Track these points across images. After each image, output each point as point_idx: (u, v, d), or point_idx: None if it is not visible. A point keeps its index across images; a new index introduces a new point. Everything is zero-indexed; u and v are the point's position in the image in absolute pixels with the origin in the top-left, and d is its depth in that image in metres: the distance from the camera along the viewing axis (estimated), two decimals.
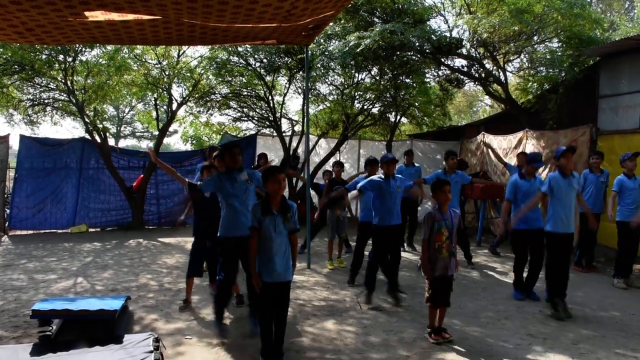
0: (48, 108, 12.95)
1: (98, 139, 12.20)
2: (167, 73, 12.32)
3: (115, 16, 5.43)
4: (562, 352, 4.86)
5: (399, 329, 5.46)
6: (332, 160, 12.71)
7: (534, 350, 4.90)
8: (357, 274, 7.35)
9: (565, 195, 5.90)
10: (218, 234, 5.34)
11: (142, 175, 12.68)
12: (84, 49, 11.50)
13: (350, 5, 10.21)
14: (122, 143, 37.18)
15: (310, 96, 12.59)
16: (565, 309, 5.93)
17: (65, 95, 12.00)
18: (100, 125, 12.29)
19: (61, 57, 11.25)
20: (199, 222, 6.20)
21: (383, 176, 6.30)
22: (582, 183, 7.69)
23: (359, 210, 7.76)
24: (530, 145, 10.75)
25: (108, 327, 4.90)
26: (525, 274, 6.84)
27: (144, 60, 12.45)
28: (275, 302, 4.39)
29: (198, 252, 6.21)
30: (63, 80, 11.48)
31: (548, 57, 10.89)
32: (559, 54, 10.85)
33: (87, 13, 5.21)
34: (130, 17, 5.51)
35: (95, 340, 4.51)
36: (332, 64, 11.44)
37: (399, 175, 6.45)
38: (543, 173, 9.60)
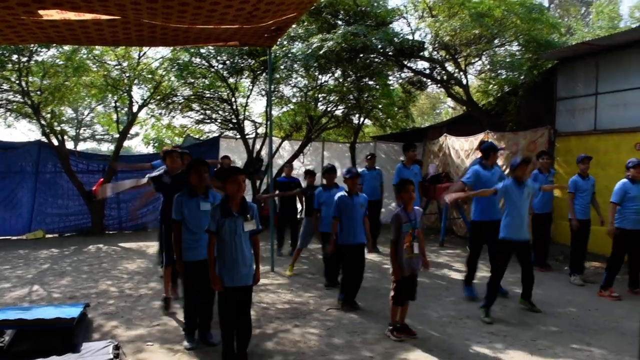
0: (1, 110, 12.50)
1: (55, 142, 11.86)
2: (127, 74, 12.07)
3: (71, 15, 5.28)
4: (522, 348, 4.96)
5: (362, 330, 5.47)
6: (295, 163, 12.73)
7: (494, 347, 4.98)
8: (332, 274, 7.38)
9: (519, 203, 5.97)
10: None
11: (102, 179, 12.37)
12: (39, 49, 11.14)
13: (313, 7, 10.20)
14: (82, 146, 36.25)
15: (273, 98, 12.54)
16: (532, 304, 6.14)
17: (19, 96, 11.61)
18: (58, 128, 11.95)
19: (15, 57, 10.88)
20: (166, 208, 5.93)
21: (347, 193, 6.25)
22: (536, 187, 7.89)
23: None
24: None
25: (65, 336, 4.73)
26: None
27: (103, 61, 12.16)
28: (238, 307, 4.33)
29: (169, 240, 5.87)
30: (17, 81, 11.11)
31: (508, 60, 11.10)
32: (519, 57, 11.08)
33: (41, 12, 5.05)
34: (88, 16, 5.38)
35: (52, 351, 4.35)
36: (295, 66, 11.40)
37: (363, 194, 6.45)
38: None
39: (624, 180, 6.99)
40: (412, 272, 5.18)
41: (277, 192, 9.36)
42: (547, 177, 8.32)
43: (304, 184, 9.49)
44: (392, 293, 5.23)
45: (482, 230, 6.69)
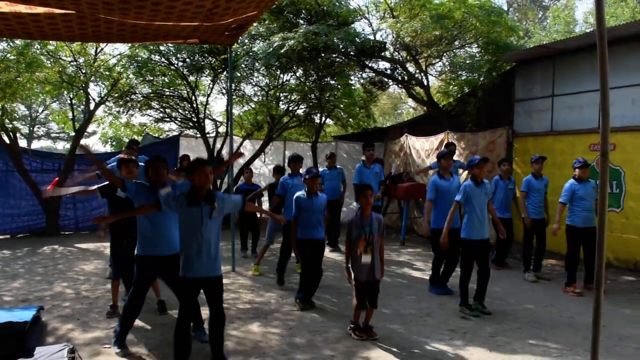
0: None
1: (7, 140, 11.44)
2: (83, 71, 11.74)
3: (22, 8, 5.09)
4: (481, 345, 5.04)
5: (324, 329, 5.47)
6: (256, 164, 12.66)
7: (454, 344, 5.05)
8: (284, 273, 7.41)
9: (478, 202, 6.08)
10: (135, 251, 4.95)
11: (57, 178, 11.98)
12: None
13: (274, 6, 10.15)
14: (36, 144, 35.23)
15: (234, 97, 12.42)
16: (483, 307, 6.16)
17: None
18: (10, 125, 11.53)
19: None
20: (115, 222, 5.68)
21: (306, 193, 6.24)
22: (492, 189, 8.07)
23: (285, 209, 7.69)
24: None
25: (17, 341, 4.56)
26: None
27: (58, 57, 11.79)
28: (208, 299, 4.27)
29: (118, 253, 5.88)
30: None
31: (468, 61, 11.31)
32: (478, 58, 11.28)
33: None
34: (40, 10, 5.19)
35: (4, 357, 4.20)
36: (256, 64, 11.32)
37: (323, 195, 6.45)
38: (463, 174, 9.93)
39: (571, 180, 7.21)
40: (368, 278, 5.15)
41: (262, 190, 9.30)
42: (507, 184, 8.48)
43: (270, 180, 9.45)
44: (353, 300, 5.24)
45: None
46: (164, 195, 4.27)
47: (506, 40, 11.37)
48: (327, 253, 9.68)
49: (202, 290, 4.28)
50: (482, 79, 10.84)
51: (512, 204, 8.54)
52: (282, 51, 9.76)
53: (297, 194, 6.32)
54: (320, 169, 9.87)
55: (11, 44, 11.01)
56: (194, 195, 4.18)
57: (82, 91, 12.19)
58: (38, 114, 33.88)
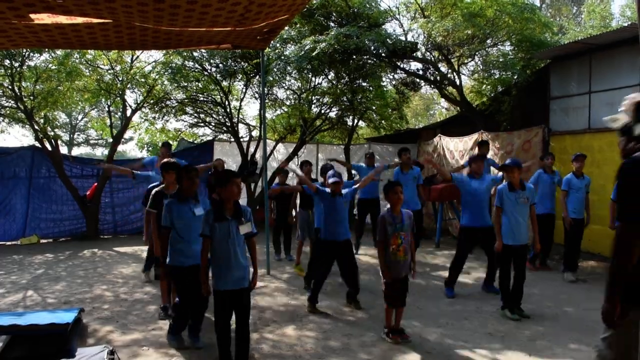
0: None
1: (49, 147, 11.80)
2: (120, 79, 12.03)
3: (63, 19, 5.25)
4: (520, 349, 4.95)
5: (359, 333, 5.46)
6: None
7: (492, 348, 4.97)
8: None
9: (511, 208, 5.98)
10: (167, 260, 5.03)
11: (96, 184, 12.33)
12: (32, 54, 11.10)
13: (305, 9, 10.20)
14: (76, 151, 36.17)
15: (267, 101, 12.53)
16: (521, 311, 6.03)
17: (12, 101, 11.54)
18: (51, 133, 11.89)
19: (7, 62, 10.83)
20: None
21: (330, 194, 6.23)
22: (534, 182, 7.96)
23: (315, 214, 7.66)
24: None
25: (60, 342, 4.68)
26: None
27: (96, 65, 12.11)
28: (235, 311, 4.30)
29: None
30: (10, 86, 11.05)
31: (501, 60, 11.12)
32: (511, 57, 11.10)
33: (32, 16, 5.02)
34: (79, 20, 5.35)
35: (46, 356, 4.31)
36: (288, 68, 11.38)
37: (345, 190, 6.43)
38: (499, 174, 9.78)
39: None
40: (398, 275, 5.14)
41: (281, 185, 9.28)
42: (552, 178, 8.33)
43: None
44: (384, 295, 5.23)
45: (472, 237, 6.86)
46: (204, 226, 4.26)
47: (540, 37, 11.15)
48: (361, 255, 9.70)
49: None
50: (516, 77, 10.65)
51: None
52: (314, 54, 9.78)
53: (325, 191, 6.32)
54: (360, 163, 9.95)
55: (52, 54, 11.36)
56: (221, 210, 4.22)
57: (119, 98, 12.47)
58: (78, 121, 34.80)
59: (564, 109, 10.08)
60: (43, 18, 5.18)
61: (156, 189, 5.88)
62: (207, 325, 5.30)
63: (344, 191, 6.29)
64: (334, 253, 6.24)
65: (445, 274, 8.30)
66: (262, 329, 5.58)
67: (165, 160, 6.10)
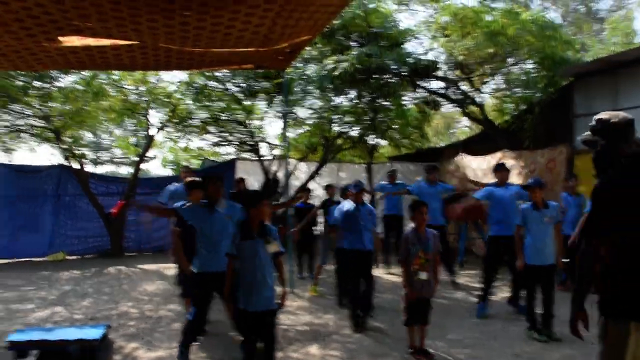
0: (23, 135, 12.75)
1: (75, 166, 12.04)
2: (145, 98, 12.26)
3: (90, 41, 5.40)
4: None
5: (384, 352, 5.41)
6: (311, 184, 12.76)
7: None
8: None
9: (535, 227, 5.91)
10: (193, 269, 5.09)
11: (120, 201, 12.51)
12: (59, 75, 11.40)
13: (326, 29, 10.31)
14: (101, 169, 36.64)
15: (288, 120, 12.63)
16: (550, 332, 5.88)
17: (41, 121, 11.83)
18: (78, 152, 12.15)
19: (37, 83, 11.14)
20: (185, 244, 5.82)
21: (354, 205, 6.26)
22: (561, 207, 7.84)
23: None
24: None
25: (88, 358, 4.77)
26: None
27: (121, 85, 12.38)
28: (261, 332, 4.25)
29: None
30: (39, 107, 11.35)
31: (523, 78, 11.08)
32: (534, 74, 11.05)
33: (61, 38, 5.18)
34: (106, 42, 5.50)
35: None
36: (310, 87, 11.47)
37: (369, 205, 6.46)
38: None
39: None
40: (420, 295, 5.10)
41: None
42: (577, 200, 8.14)
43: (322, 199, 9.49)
44: (403, 317, 5.21)
45: (501, 246, 6.70)
46: (231, 247, 4.30)
47: (562, 55, 11.09)
48: (383, 274, 9.64)
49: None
50: (538, 95, 10.59)
51: None
52: (335, 73, 9.87)
53: (345, 207, 6.34)
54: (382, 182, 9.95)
55: (80, 75, 11.65)
56: (248, 229, 4.22)
57: (143, 117, 12.69)
58: (102, 140, 35.39)
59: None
60: (72, 41, 5.34)
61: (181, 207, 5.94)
62: (227, 343, 5.32)
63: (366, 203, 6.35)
64: (357, 262, 6.24)
65: (470, 293, 8.25)
66: (286, 347, 5.57)
67: (189, 179, 6.16)
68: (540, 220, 5.88)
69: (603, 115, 2.92)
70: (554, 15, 25.57)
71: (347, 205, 6.36)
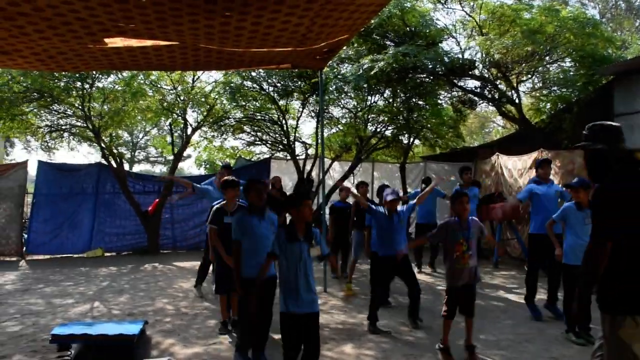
0: (65, 134, 13.12)
1: (114, 164, 12.32)
2: (182, 98, 12.46)
3: (133, 42, 5.53)
4: None
5: (419, 353, 5.38)
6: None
7: None
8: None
9: (580, 229, 5.77)
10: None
11: (157, 200, 12.75)
12: (100, 76, 11.68)
13: (363, 29, 10.31)
14: (136, 168, 37.46)
15: (324, 119, 12.68)
16: (589, 335, 5.76)
17: (82, 121, 12.15)
18: (116, 151, 12.42)
19: (79, 84, 11.45)
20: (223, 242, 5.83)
21: (387, 212, 6.25)
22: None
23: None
24: None
25: (127, 352, 4.90)
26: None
27: (159, 86, 12.61)
28: (305, 335, 4.19)
29: (221, 271, 5.93)
30: (80, 107, 11.66)
31: (561, 76, 10.89)
32: (572, 73, 10.84)
33: (107, 40, 5.31)
34: (148, 43, 5.61)
35: None
36: (345, 87, 11.48)
37: (402, 208, 6.42)
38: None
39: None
40: (465, 281, 5.07)
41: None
42: None
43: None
44: (444, 305, 5.17)
45: (544, 244, 6.53)
46: (274, 245, 4.26)
47: (603, 53, 10.84)
48: (418, 275, 9.58)
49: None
50: (577, 93, 10.38)
51: None
52: (372, 73, 9.86)
53: (378, 211, 6.35)
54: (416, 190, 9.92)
55: (119, 76, 11.92)
56: (293, 231, 4.16)
57: (180, 117, 12.90)
58: (139, 139, 36.13)
59: (629, 125, 9.72)
60: (116, 42, 5.47)
61: (217, 206, 6.03)
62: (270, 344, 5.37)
63: (400, 208, 6.29)
64: (392, 269, 6.24)
65: (505, 294, 8.14)
66: (321, 346, 5.57)
67: (225, 178, 6.23)
68: (583, 221, 5.77)
69: (597, 123, 3.26)
70: (592, 12, 24.99)
71: (381, 213, 6.30)
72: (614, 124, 3.24)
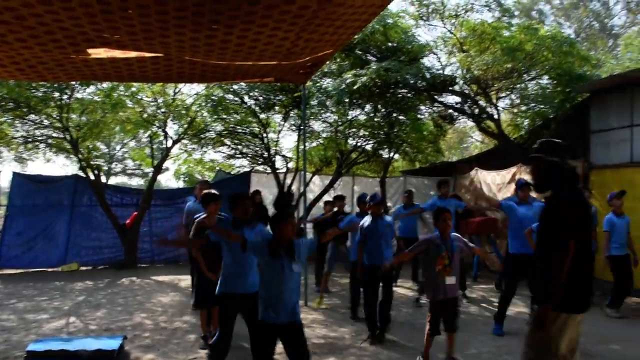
0: (41, 145, 12.86)
1: (91, 176, 12.12)
2: (162, 110, 12.35)
3: (117, 53, 5.48)
4: None
5: None
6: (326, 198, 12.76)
7: None
8: (358, 307, 7.34)
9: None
10: (217, 288, 4.97)
11: (135, 213, 12.57)
12: (79, 86, 11.49)
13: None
14: (113, 180, 36.94)
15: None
16: None
17: (59, 132, 11.93)
18: (94, 163, 12.24)
19: (57, 94, 11.24)
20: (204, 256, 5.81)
21: (371, 217, 6.30)
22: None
23: (351, 248, 7.75)
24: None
25: None
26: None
27: (139, 97, 12.46)
28: (290, 346, 4.13)
29: (202, 285, 5.87)
30: (58, 117, 11.45)
31: (539, 93, 11.11)
32: (550, 90, 11.07)
33: (90, 50, 5.25)
34: (132, 54, 5.57)
35: None
36: (328, 101, 11.52)
37: (388, 217, 6.47)
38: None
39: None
40: (446, 296, 5.10)
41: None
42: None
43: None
44: (428, 320, 5.18)
45: (522, 264, 6.58)
46: (252, 241, 4.28)
47: (579, 71, 11.11)
48: (399, 289, 9.59)
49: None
50: (554, 110, 10.59)
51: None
52: (355, 87, 9.92)
53: (363, 221, 6.37)
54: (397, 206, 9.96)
55: (99, 87, 11.75)
56: (275, 246, 4.11)
57: (160, 130, 12.78)
58: (116, 151, 35.67)
59: (605, 142, 9.95)
60: (99, 53, 5.42)
61: (198, 219, 5.94)
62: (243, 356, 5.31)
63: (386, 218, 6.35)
64: (378, 277, 6.25)
65: (485, 307, 8.20)
66: None
67: (205, 191, 6.18)
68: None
69: (550, 139, 3.69)
70: (568, 31, 25.63)
71: (367, 220, 6.37)
72: (563, 142, 3.63)
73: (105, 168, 34.71)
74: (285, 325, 4.07)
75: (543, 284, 3.41)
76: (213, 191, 6.08)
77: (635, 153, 9.31)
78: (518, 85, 12.02)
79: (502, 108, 13.76)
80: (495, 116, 12.32)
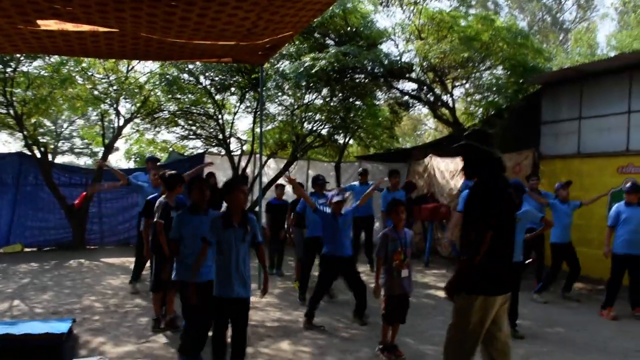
0: None
1: (38, 154, 11.64)
2: (114, 88, 11.93)
3: (69, 26, 5.24)
4: None
5: (354, 349, 5.45)
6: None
7: None
8: (306, 289, 7.40)
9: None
10: (173, 276, 4.92)
11: (84, 193, 12.16)
12: (25, 60, 10.93)
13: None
14: (60, 159, 35.69)
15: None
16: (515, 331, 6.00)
17: (2, 107, 11.36)
18: (42, 140, 11.73)
19: (0, 66, 10.70)
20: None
21: (331, 214, 6.31)
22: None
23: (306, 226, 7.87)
24: None
25: (54, 353, 4.63)
26: None
27: (90, 73, 12.01)
28: (233, 322, 4.25)
29: (159, 268, 5.77)
30: (1, 91, 10.89)
31: (494, 83, 11.31)
32: (504, 80, 11.29)
33: (40, 22, 5.00)
34: (85, 28, 5.34)
35: None
36: (285, 84, 11.42)
37: (346, 210, 6.49)
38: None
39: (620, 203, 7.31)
40: (402, 291, 5.18)
41: None
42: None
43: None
44: (382, 311, 5.24)
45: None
46: (209, 233, 4.26)
47: (532, 63, 11.38)
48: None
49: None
50: (507, 100, 10.84)
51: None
52: (313, 71, 9.86)
53: (325, 212, 6.37)
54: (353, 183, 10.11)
55: (46, 61, 11.22)
56: (229, 218, 4.20)
57: (112, 108, 12.37)
58: (63, 129, 34.41)
59: (555, 133, 10.26)
60: (50, 24, 5.17)
61: (161, 200, 5.78)
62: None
63: (343, 211, 6.34)
64: (337, 269, 6.30)
65: (436, 292, 8.34)
66: (257, 343, 5.54)
67: (170, 172, 6.02)
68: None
69: (475, 129, 4.03)
70: (522, 24, 26.21)
71: (327, 214, 6.33)
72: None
73: (52, 146, 33.50)
74: (237, 299, 4.19)
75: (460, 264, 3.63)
76: (176, 172, 5.97)
77: (582, 144, 9.65)
78: (473, 75, 12.22)
79: (457, 96, 13.99)
80: (451, 104, 12.50)
